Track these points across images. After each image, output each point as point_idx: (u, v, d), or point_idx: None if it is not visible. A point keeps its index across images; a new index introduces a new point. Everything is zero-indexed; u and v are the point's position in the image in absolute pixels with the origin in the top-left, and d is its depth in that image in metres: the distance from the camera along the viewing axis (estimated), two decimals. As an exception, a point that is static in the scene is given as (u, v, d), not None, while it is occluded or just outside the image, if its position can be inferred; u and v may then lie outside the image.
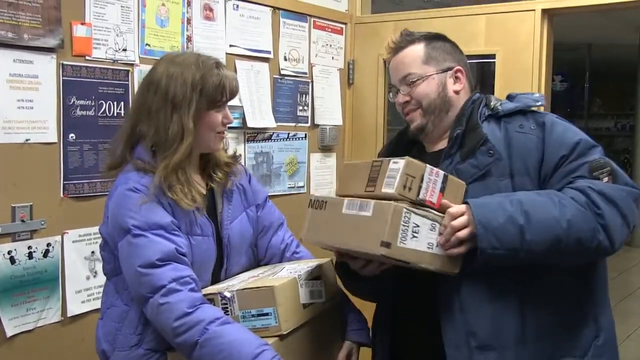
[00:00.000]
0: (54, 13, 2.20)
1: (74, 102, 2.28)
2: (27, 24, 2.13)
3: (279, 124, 3.13)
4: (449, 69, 1.80)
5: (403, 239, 1.51)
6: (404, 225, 1.50)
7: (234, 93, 1.79)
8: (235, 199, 1.87)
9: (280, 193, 3.17)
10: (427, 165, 1.57)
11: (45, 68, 2.20)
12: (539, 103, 1.75)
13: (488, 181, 1.66)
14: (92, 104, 2.34)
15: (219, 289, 1.68)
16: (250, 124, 2.94)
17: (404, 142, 1.92)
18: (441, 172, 1.59)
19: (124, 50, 2.43)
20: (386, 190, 1.55)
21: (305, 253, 2.02)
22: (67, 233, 2.28)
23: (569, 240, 1.54)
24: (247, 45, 2.95)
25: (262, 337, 1.58)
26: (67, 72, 2.26)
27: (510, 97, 1.80)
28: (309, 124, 3.33)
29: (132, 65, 2.46)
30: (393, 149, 1.94)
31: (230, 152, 1.94)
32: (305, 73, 3.28)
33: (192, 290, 1.61)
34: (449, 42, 1.86)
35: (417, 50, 1.80)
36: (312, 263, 1.85)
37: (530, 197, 1.59)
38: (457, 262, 1.59)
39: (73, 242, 2.30)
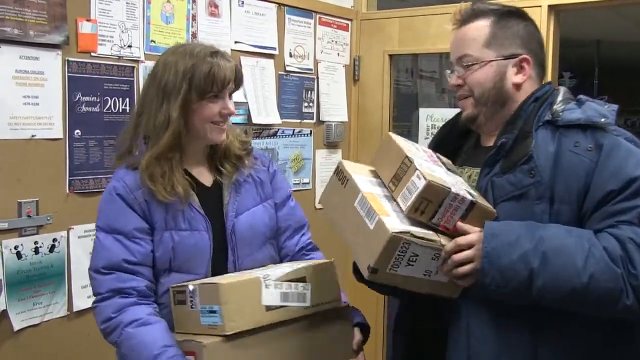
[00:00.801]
0: (59, 10, 2.21)
1: (79, 98, 2.29)
2: (32, 21, 2.14)
3: (284, 120, 3.14)
4: (513, 56, 1.58)
5: (395, 266, 1.41)
6: (399, 254, 1.40)
7: (225, 82, 1.72)
8: (246, 191, 1.83)
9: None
10: (452, 190, 1.43)
11: (51, 64, 2.21)
12: (605, 120, 1.47)
13: (523, 203, 1.47)
14: (98, 100, 2.35)
15: (199, 282, 1.66)
16: (256, 120, 2.94)
17: (461, 127, 1.74)
18: (468, 199, 1.44)
19: (129, 46, 2.44)
20: (400, 202, 1.46)
21: (317, 256, 1.96)
22: (73, 228, 2.30)
23: (588, 297, 1.34)
24: (252, 41, 2.95)
25: (212, 335, 1.56)
26: (72, 69, 2.27)
27: (578, 102, 1.55)
28: (314, 121, 3.33)
29: (137, 61, 2.47)
30: (447, 133, 1.79)
31: (247, 142, 1.90)
32: (311, 69, 3.29)
33: (124, 297, 1.66)
34: (524, 22, 1.63)
35: (481, 27, 1.60)
36: (307, 263, 1.77)
37: (556, 236, 1.39)
38: (456, 288, 1.48)
39: (79, 237, 2.31)
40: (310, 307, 1.66)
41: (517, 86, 1.59)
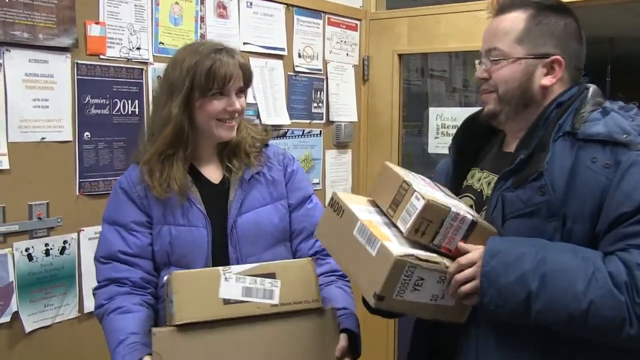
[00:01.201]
0: (68, 13, 2.22)
1: (88, 100, 2.30)
2: (42, 24, 2.15)
3: (294, 120, 3.14)
4: (545, 56, 1.48)
5: (401, 292, 1.36)
6: (405, 279, 1.35)
7: (227, 79, 1.70)
8: (256, 190, 1.81)
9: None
10: (452, 209, 1.38)
11: (60, 67, 2.23)
12: (627, 137, 1.37)
13: (534, 221, 1.40)
14: (107, 102, 2.36)
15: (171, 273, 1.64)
16: (265, 121, 2.94)
17: (484, 127, 1.64)
18: (468, 219, 1.40)
19: (138, 48, 2.45)
20: (400, 225, 1.42)
21: (334, 262, 1.80)
22: (83, 230, 2.31)
23: (588, 324, 1.27)
24: (261, 42, 2.96)
25: (170, 325, 1.55)
26: (81, 71, 2.28)
27: (604, 111, 1.44)
28: (323, 121, 3.33)
29: (146, 63, 2.48)
30: (465, 133, 1.70)
31: (259, 140, 1.88)
32: (320, 70, 3.28)
33: (119, 286, 1.72)
34: (565, 19, 1.51)
35: (517, 20, 1.49)
36: (284, 261, 1.74)
37: (559, 257, 1.32)
38: (463, 312, 1.45)
39: (89, 239, 2.32)
40: (279, 305, 1.59)
41: (545, 88, 1.49)
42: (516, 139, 1.54)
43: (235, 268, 1.59)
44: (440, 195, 1.48)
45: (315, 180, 3.30)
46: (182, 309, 1.51)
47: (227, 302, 1.55)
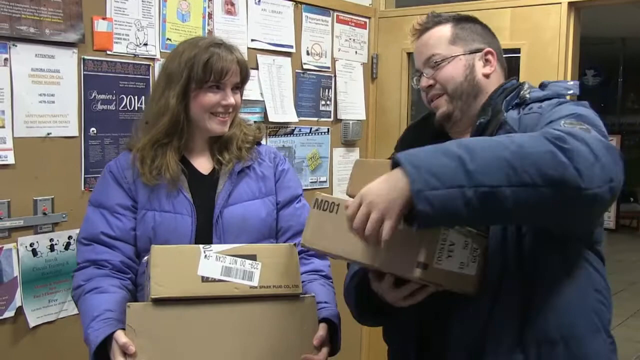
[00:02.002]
0: (75, 8, 2.22)
1: (95, 96, 2.30)
2: (48, 19, 2.15)
3: (301, 118, 3.13)
4: (479, 50, 1.63)
5: (439, 259, 1.33)
6: (442, 244, 1.32)
7: (223, 73, 1.74)
8: (245, 183, 1.82)
9: (302, 188, 3.16)
10: None
11: (67, 63, 2.23)
12: (571, 91, 1.57)
13: None
14: (113, 98, 2.36)
15: None
16: (272, 118, 2.94)
17: (428, 131, 1.71)
18: None
19: (145, 44, 2.45)
20: None
21: (319, 263, 1.87)
22: (88, 226, 2.31)
23: (525, 166, 1.22)
24: (269, 39, 2.95)
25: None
26: (88, 67, 2.28)
27: (542, 86, 1.61)
28: (331, 119, 3.32)
29: (152, 59, 2.48)
30: (414, 138, 1.74)
31: (251, 136, 1.89)
32: (328, 67, 3.27)
33: (98, 268, 1.72)
34: (479, 24, 1.70)
35: (444, 30, 1.65)
36: (265, 244, 1.76)
37: (469, 138, 1.39)
38: (478, 281, 1.42)
39: (94, 235, 2.32)
40: (258, 287, 1.56)
41: (487, 77, 1.63)
42: (469, 130, 1.60)
43: (217, 247, 1.58)
44: None
45: (323, 179, 3.29)
46: (159, 283, 1.50)
47: (205, 279, 1.53)
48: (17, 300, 2.13)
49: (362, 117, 3.48)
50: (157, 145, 1.75)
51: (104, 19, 2.32)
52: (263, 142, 2.93)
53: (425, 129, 1.74)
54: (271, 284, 1.57)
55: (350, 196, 1.50)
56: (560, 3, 2.94)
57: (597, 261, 1.49)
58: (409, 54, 3.44)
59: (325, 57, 3.25)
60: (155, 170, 1.74)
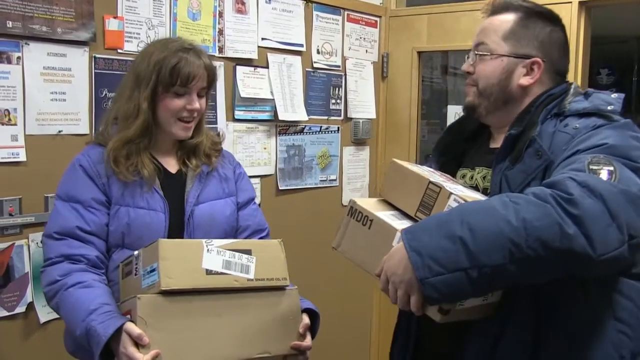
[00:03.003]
0: (86, 7, 2.24)
1: (105, 94, 2.32)
2: (60, 18, 2.17)
3: (311, 117, 3.13)
4: (526, 57, 1.55)
5: (461, 302, 1.33)
6: None
7: (190, 79, 1.75)
8: (211, 183, 1.88)
9: (312, 186, 3.18)
10: None
11: (78, 61, 2.25)
12: (612, 107, 1.44)
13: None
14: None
15: (144, 247, 1.66)
16: (282, 117, 2.94)
17: (466, 129, 1.73)
18: None
19: (156, 43, 2.46)
20: None
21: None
22: (99, 223, 2.33)
23: (529, 242, 1.19)
24: (280, 38, 2.96)
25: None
26: (99, 65, 2.30)
27: (586, 95, 1.52)
28: (341, 117, 3.32)
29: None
30: (452, 138, 1.77)
31: (218, 142, 1.96)
32: (339, 66, 3.28)
33: (73, 263, 1.69)
34: (551, 26, 1.59)
35: (506, 20, 1.58)
36: (254, 240, 1.85)
37: (472, 204, 1.32)
38: (496, 306, 1.43)
39: (104, 231, 2.34)
40: (254, 280, 1.64)
41: (523, 88, 1.57)
42: (502, 134, 1.58)
43: (216, 242, 1.64)
44: (465, 189, 1.49)
45: (333, 177, 3.30)
46: (169, 275, 1.53)
47: (209, 272, 1.58)
48: (28, 296, 2.16)
49: (373, 115, 3.48)
50: (129, 145, 1.76)
51: (115, 17, 2.34)
52: (271, 141, 2.96)
53: (462, 129, 1.75)
54: (264, 276, 1.66)
55: (383, 197, 1.56)
56: (570, 2, 2.93)
57: (628, 286, 1.40)
58: (420, 53, 3.44)
59: (336, 55, 3.26)
60: (132, 167, 1.75)
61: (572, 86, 1.57)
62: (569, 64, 1.65)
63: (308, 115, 3.10)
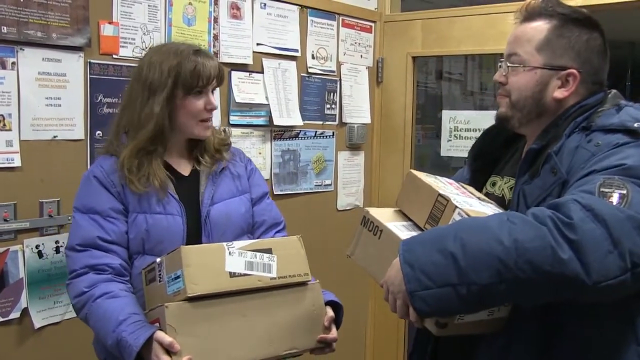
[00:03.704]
0: (81, 12, 2.24)
1: (100, 99, 2.32)
2: (55, 24, 2.18)
3: (306, 122, 3.14)
4: (562, 68, 1.48)
5: (461, 316, 1.33)
6: None
7: (210, 79, 1.81)
8: (225, 183, 1.91)
9: (307, 191, 3.18)
10: None
11: (73, 66, 2.25)
12: (638, 124, 1.36)
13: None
14: (119, 101, 2.36)
15: (165, 254, 1.68)
16: (277, 122, 2.95)
17: (501, 136, 1.69)
18: None
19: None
20: None
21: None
22: (94, 228, 2.32)
23: (519, 263, 1.17)
24: (275, 43, 2.96)
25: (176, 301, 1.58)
26: (94, 71, 2.30)
27: (619, 107, 1.46)
28: (336, 122, 3.33)
29: (139, 61, 2.49)
30: (490, 141, 1.72)
31: (225, 138, 1.99)
32: (334, 71, 3.28)
33: (98, 273, 1.72)
34: (589, 33, 1.50)
35: (540, 29, 1.50)
36: (274, 238, 1.89)
37: (470, 220, 1.31)
38: (502, 322, 1.41)
39: (99, 237, 2.34)
40: (277, 278, 1.68)
41: (558, 101, 1.50)
42: None
43: (237, 244, 1.67)
44: (477, 204, 1.47)
45: (328, 182, 3.30)
46: (193, 281, 1.56)
47: (232, 275, 1.62)
48: (23, 302, 2.15)
49: (367, 120, 3.49)
50: (141, 154, 1.79)
51: (110, 23, 2.34)
52: (266, 146, 2.96)
53: (498, 133, 1.71)
54: (287, 274, 1.70)
55: (398, 207, 1.57)
56: (565, 8, 2.94)
57: None
58: (414, 58, 3.45)
59: (331, 60, 3.26)
60: (144, 178, 1.77)
61: (609, 96, 1.50)
62: (607, 71, 1.56)
63: (303, 120, 3.11)
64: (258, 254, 1.67)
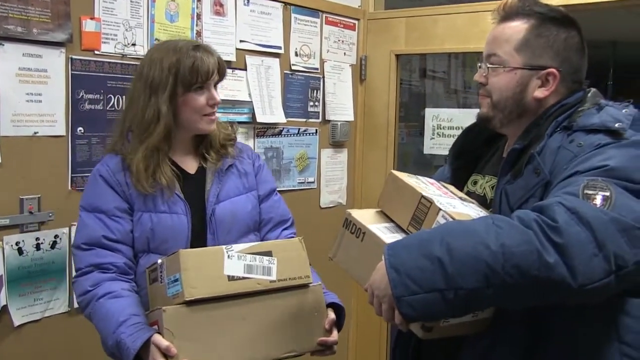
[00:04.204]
0: (63, 8, 2.22)
1: (82, 95, 2.31)
2: (36, 19, 2.16)
3: (290, 119, 3.13)
4: (541, 68, 1.48)
5: (446, 320, 1.33)
6: None
7: (209, 74, 1.80)
8: (231, 180, 1.90)
9: (290, 188, 3.18)
10: None
11: (54, 62, 2.23)
12: (619, 125, 1.38)
13: (532, 204, 1.34)
14: (101, 97, 2.36)
15: (166, 255, 1.68)
16: (260, 119, 2.94)
17: (482, 134, 1.69)
18: None
19: (133, 45, 2.45)
20: None
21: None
22: (75, 225, 2.30)
23: (507, 268, 1.17)
24: (258, 40, 2.95)
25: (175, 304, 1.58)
26: (75, 66, 2.28)
27: (599, 107, 1.46)
28: (320, 120, 3.33)
29: (141, 59, 2.47)
30: (472, 140, 1.72)
31: (230, 133, 1.97)
32: (317, 69, 3.28)
33: (103, 272, 1.74)
34: (568, 32, 1.51)
35: (519, 29, 1.50)
36: (275, 240, 1.87)
37: (456, 224, 1.30)
38: (485, 322, 1.41)
39: (80, 234, 2.33)
40: (277, 281, 1.67)
41: (538, 100, 1.50)
42: None
43: (237, 247, 1.66)
44: (460, 205, 1.47)
45: (311, 179, 3.30)
46: (191, 285, 1.56)
47: (231, 278, 1.61)
48: (2, 299, 2.13)
49: (351, 118, 3.49)
50: (152, 152, 1.78)
51: (92, 18, 2.32)
52: (249, 143, 2.96)
53: (480, 132, 1.71)
54: (287, 276, 1.69)
55: (380, 208, 1.56)
56: (547, 7, 2.96)
57: (636, 306, 1.34)
58: (398, 56, 3.46)
59: (314, 58, 3.26)
60: (151, 178, 1.77)
61: (589, 95, 1.51)
62: (586, 69, 1.57)
63: (286, 117, 3.10)
64: (258, 256, 1.66)
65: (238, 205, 1.89)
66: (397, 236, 1.44)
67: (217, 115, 1.89)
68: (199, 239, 1.81)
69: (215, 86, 1.85)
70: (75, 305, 2.31)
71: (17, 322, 2.17)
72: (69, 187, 2.29)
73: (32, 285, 2.21)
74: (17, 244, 2.16)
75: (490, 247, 1.18)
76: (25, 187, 2.19)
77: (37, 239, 2.21)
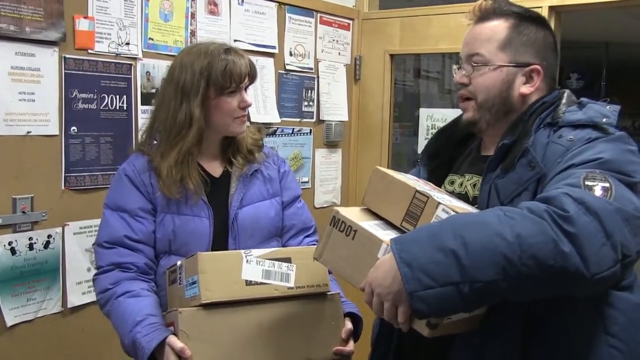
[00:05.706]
0: (56, 6, 2.21)
1: (75, 95, 2.30)
2: (29, 17, 2.14)
3: (284, 119, 3.13)
4: (526, 64, 1.51)
5: (449, 316, 1.31)
6: None
7: (242, 78, 1.79)
8: (255, 185, 1.89)
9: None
10: None
11: (48, 61, 2.22)
12: (606, 119, 1.41)
13: (526, 198, 1.37)
14: (94, 97, 2.35)
15: (186, 257, 1.68)
16: (254, 119, 2.93)
17: (458, 134, 1.69)
18: None
19: (127, 44, 2.44)
20: None
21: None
22: (68, 225, 2.30)
23: (523, 259, 1.17)
24: (252, 40, 2.95)
25: (192, 306, 1.58)
26: (69, 65, 2.27)
27: (580, 104, 1.49)
28: (314, 120, 3.32)
29: (135, 59, 2.47)
30: (445, 142, 1.73)
31: (258, 139, 1.96)
32: (311, 68, 3.28)
33: (123, 271, 1.74)
34: (543, 30, 1.54)
35: (500, 28, 1.52)
36: (294, 247, 1.86)
37: (464, 216, 1.28)
38: (478, 319, 1.40)
39: (74, 234, 2.32)
40: (295, 288, 1.66)
41: (523, 97, 1.52)
42: (495, 142, 1.54)
43: (256, 252, 1.66)
44: (450, 198, 1.46)
45: (305, 179, 3.29)
46: (208, 288, 1.56)
47: (249, 283, 1.61)
48: (-5, 299, 2.13)
49: (345, 118, 3.49)
50: (183, 157, 1.77)
51: (85, 17, 2.31)
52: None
53: (453, 133, 1.71)
54: (305, 284, 1.68)
55: (365, 206, 1.52)
56: (541, 7, 2.96)
57: (619, 299, 1.37)
58: (392, 56, 3.46)
59: (309, 58, 3.26)
60: (178, 182, 1.77)
61: (565, 94, 1.53)
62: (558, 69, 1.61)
63: (280, 117, 3.10)
64: (276, 262, 1.65)
65: (261, 210, 1.88)
66: (390, 233, 1.41)
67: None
68: (220, 243, 1.81)
69: (246, 89, 1.84)
70: (69, 305, 2.31)
71: (10, 322, 2.16)
72: (62, 187, 2.28)
73: (25, 285, 2.19)
74: (10, 243, 2.15)
75: (507, 238, 1.17)
76: (18, 187, 2.18)
77: (30, 238, 2.20)
